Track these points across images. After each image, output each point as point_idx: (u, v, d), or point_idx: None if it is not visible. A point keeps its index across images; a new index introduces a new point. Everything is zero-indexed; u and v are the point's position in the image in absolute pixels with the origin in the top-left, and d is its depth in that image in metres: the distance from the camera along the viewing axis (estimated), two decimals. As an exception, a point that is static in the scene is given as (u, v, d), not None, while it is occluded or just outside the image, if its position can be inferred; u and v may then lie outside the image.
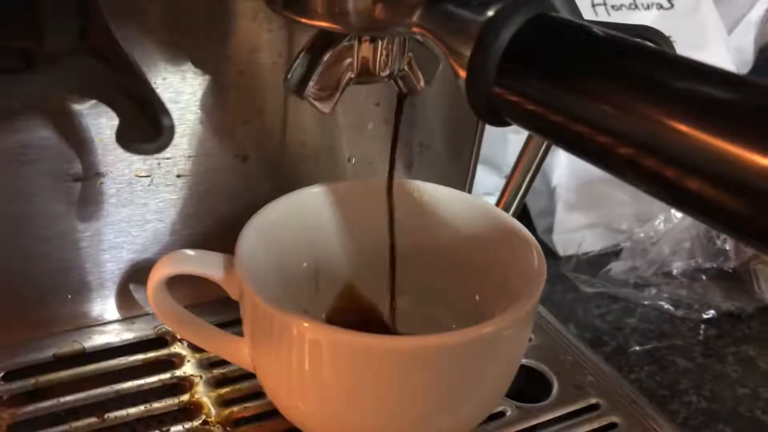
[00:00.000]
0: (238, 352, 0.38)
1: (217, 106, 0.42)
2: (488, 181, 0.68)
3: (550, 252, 0.66)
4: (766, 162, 0.19)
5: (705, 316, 0.59)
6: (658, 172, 0.22)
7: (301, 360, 0.33)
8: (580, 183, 0.65)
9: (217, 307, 0.42)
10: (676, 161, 0.21)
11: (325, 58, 0.33)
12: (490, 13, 0.27)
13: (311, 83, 0.33)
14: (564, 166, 0.65)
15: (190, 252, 0.37)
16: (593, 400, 0.43)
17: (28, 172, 0.40)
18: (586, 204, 0.65)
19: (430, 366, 0.33)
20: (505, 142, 0.66)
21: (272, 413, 0.39)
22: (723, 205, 0.20)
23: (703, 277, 0.62)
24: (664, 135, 0.21)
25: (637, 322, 0.59)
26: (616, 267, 0.62)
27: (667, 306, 0.60)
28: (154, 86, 0.40)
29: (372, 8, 0.30)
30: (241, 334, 0.38)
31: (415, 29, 0.30)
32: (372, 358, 0.32)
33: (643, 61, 0.24)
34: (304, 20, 0.31)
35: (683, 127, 0.21)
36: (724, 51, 0.72)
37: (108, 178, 0.42)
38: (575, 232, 0.66)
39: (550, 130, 0.26)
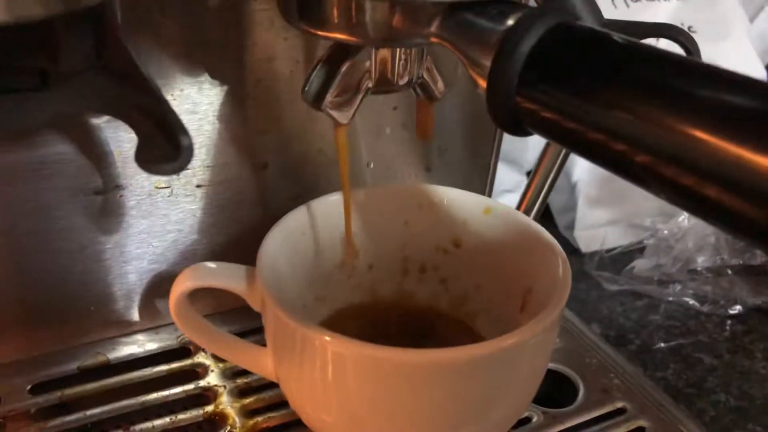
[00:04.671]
0: (261, 362, 0.38)
1: (235, 115, 0.42)
2: (509, 179, 0.67)
3: (572, 249, 0.66)
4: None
5: (731, 312, 0.58)
6: (682, 182, 0.22)
7: (324, 372, 0.33)
8: (601, 178, 0.64)
9: (240, 315, 0.42)
10: (700, 170, 0.21)
11: (343, 69, 0.32)
12: (510, 22, 0.26)
13: (329, 95, 0.33)
14: (585, 162, 0.64)
15: (211, 265, 0.37)
16: (620, 404, 0.42)
17: (49, 186, 0.40)
18: (607, 200, 0.65)
19: (455, 378, 0.32)
20: (524, 139, 0.66)
21: (296, 423, 0.39)
22: (744, 214, 0.20)
23: (729, 272, 0.61)
24: (688, 144, 0.21)
25: (661, 319, 0.58)
26: (640, 264, 0.61)
27: (692, 302, 0.59)
28: (171, 98, 0.40)
29: (390, 19, 0.29)
30: (264, 342, 0.38)
31: (433, 39, 0.29)
32: (395, 371, 0.32)
33: (666, 69, 0.23)
34: (320, 33, 0.31)
35: (707, 137, 0.20)
36: (746, 39, 0.70)
37: (128, 190, 0.42)
38: (597, 228, 0.65)
39: (572, 140, 0.26)
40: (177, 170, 0.26)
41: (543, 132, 0.27)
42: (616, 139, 0.23)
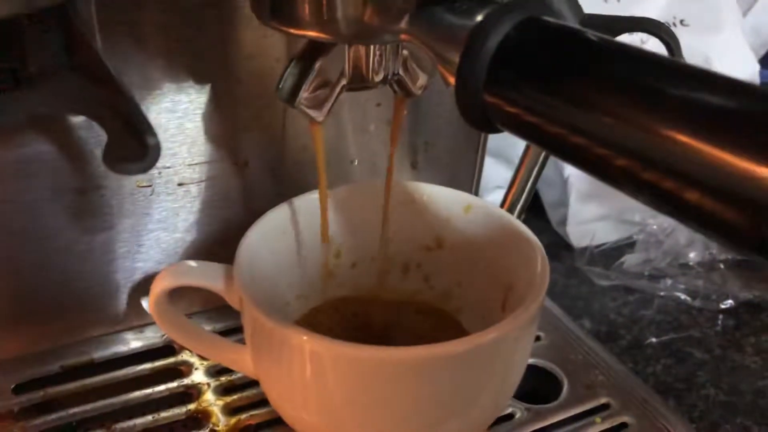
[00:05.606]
0: (242, 361, 0.38)
1: (216, 113, 0.42)
2: (499, 175, 0.67)
3: (564, 244, 0.65)
4: (766, 173, 0.18)
5: (723, 306, 0.58)
6: (653, 183, 0.21)
7: (302, 372, 0.33)
8: (593, 173, 0.64)
9: (227, 312, 0.42)
10: (673, 172, 0.20)
11: (316, 66, 0.32)
12: (479, 17, 0.26)
13: (303, 92, 0.33)
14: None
15: (191, 263, 0.37)
16: (603, 400, 0.42)
17: (31, 185, 0.40)
18: (599, 195, 0.64)
19: (433, 375, 0.32)
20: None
21: (279, 421, 0.39)
22: (723, 217, 0.20)
23: (721, 266, 0.61)
24: (658, 144, 0.21)
25: (653, 314, 0.58)
26: (630, 259, 0.61)
27: (683, 297, 0.59)
28: (150, 96, 0.40)
29: (360, 16, 0.29)
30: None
31: (403, 36, 0.29)
32: (373, 369, 0.32)
33: (637, 67, 0.23)
34: (292, 30, 0.30)
35: (679, 136, 0.20)
36: (739, 33, 0.70)
37: (109, 189, 0.42)
38: (589, 224, 0.65)
39: (541, 139, 0.26)
40: (143, 170, 0.26)
41: (512, 129, 0.27)
42: (584, 138, 0.23)
